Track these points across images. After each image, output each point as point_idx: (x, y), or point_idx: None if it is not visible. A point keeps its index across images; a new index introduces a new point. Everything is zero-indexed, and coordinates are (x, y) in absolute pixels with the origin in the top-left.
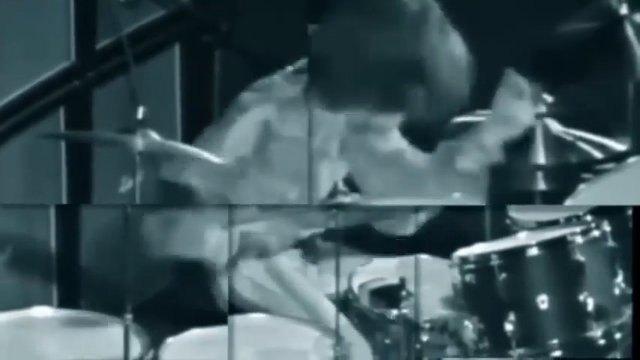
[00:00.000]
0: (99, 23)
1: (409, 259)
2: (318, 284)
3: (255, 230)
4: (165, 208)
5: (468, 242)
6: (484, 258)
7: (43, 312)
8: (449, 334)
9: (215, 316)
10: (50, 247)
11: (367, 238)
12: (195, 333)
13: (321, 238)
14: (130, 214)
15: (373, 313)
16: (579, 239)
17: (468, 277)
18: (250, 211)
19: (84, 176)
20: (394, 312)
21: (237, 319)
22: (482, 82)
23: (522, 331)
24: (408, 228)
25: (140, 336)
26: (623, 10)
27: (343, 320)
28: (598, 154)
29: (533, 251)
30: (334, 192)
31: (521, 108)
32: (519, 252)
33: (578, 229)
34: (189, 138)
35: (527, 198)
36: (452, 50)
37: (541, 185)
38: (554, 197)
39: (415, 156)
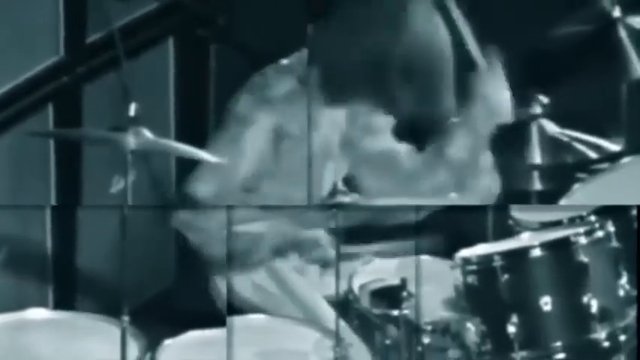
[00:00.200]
0: (89, 16)
1: (410, 260)
2: (320, 285)
3: (255, 231)
4: (160, 209)
5: (470, 243)
6: (487, 259)
7: (38, 314)
8: (451, 337)
9: (213, 318)
10: (46, 248)
11: (367, 233)
12: (193, 335)
13: (320, 238)
14: (126, 215)
15: (374, 314)
16: (583, 240)
17: (471, 279)
18: (250, 211)
19: (73, 176)
20: (395, 313)
21: (236, 320)
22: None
23: (525, 333)
24: (409, 216)
25: (137, 338)
26: (617, 13)
27: (341, 323)
28: (593, 155)
29: (537, 252)
30: (334, 192)
31: (503, 97)
32: (522, 253)
33: (581, 230)
34: (183, 136)
35: (523, 197)
36: (441, 44)
37: (537, 185)
38: (549, 197)
39: (407, 156)
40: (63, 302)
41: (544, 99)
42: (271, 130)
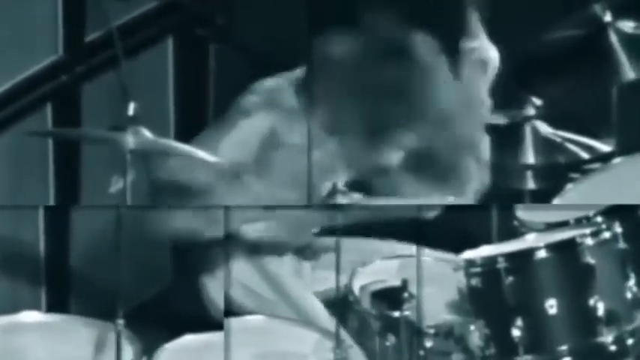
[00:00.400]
0: (88, 15)
1: (411, 260)
2: (312, 280)
3: (253, 232)
4: (157, 208)
5: (474, 244)
6: (491, 261)
7: (31, 317)
8: (454, 340)
9: (210, 322)
10: (39, 250)
11: (368, 231)
12: (189, 339)
13: (316, 235)
14: (122, 215)
15: (374, 315)
16: (589, 241)
17: (474, 281)
18: (248, 212)
19: (72, 176)
20: (396, 314)
21: (234, 322)
22: None
23: (530, 337)
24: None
25: (132, 342)
26: (608, 17)
27: (334, 324)
28: (585, 155)
29: (542, 254)
30: (333, 192)
31: (487, 47)
32: (527, 254)
33: (588, 231)
34: (182, 135)
35: (516, 197)
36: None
37: (530, 184)
38: (542, 196)
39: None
40: (56, 305)
41: (537, 101)
42: (266, 130)
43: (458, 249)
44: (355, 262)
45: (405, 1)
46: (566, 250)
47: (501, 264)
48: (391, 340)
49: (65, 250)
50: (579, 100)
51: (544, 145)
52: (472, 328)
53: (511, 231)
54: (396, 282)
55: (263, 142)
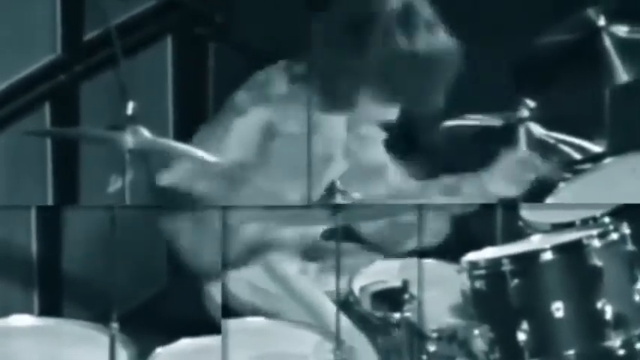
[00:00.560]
0: (86, 14)
1: (412, 261)
2: (318, 283)
3: (254, 231)
4: (157, 209)
5: (477, 246)
6: (495, 263)
7: (22, 321)
8: (457, 344)
9: (207, 325)
10: (31, 251)
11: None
12: (186, 343)
13: (321, 237)
14: (117, 216)
15: (374, 316)
16: (596, 243)
17: (478, 283)
18: (248, 211)
19: (70, 176)
20: (396, 316)
21: (233, 323)
22: (469, 88)
23: (536, 341)
24: (411, 242)
25: (127, 346)
26: (601, 22)
27: (347, 323)
28: (577, 155)
29: (548, 255)
30: (331, 191)
31: (527, 168)
32: (533, 256)
33: (595, 232)
34: (181, 135)
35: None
36: (441, 45)
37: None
38: (536, 194)
39: (396, 175)
40: (48, 308)
41: (531, 103)
42: (263, 124)
43: (461, 251)
44: (359, 265)
45: None
46: (572, 252)
47: (506, 266)
48: (392, 341)
49: (58, 252)
50: (572, 102)
51: (538, 145)
52: (476, 332)
53: (516, 232)
54: (396, 283)
55: (262, 137)
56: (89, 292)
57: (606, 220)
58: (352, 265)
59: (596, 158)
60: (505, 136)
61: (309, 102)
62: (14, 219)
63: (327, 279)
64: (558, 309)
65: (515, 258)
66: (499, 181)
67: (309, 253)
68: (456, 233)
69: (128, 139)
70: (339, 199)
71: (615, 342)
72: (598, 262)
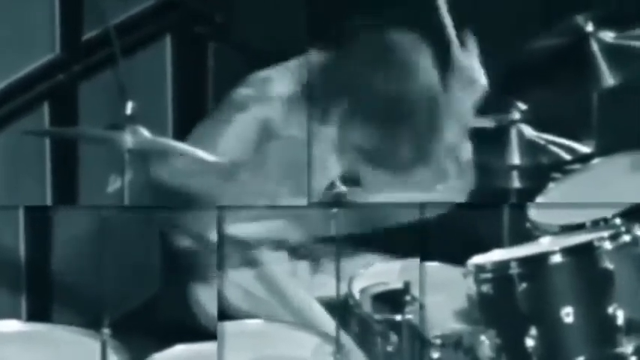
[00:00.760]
0: (85, 13)
1: (414, 262)
2: (312, 285)
3: (250, 233)
4: (154, 209)
5: (484, 248)
6: (502, 266)
7: (10, 326)
8: (463, 351)
9: (202, 331)
10: (19, 254)
11: (369, 239)
12: (180, 349)
13: (315, 240)
14: (107, 217)
15: (375, 319)
16: (608, 245)
17: (485, 288)
18: (245, 212)
19: (69, 175)
20: (398, 318)
21: (231, 325)
22: None
23: (545, 347)
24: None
25: (119, 353)
26: (589, 28)
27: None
28: (566, 156)
29: (557, 258)
30: (331, 189)
31: (477, 69)
32: (541, 259)
33: (606, 234)
34: (180, 135)
35: (503, 195)
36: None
37: (516, 183)
38: (527, 194)
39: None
40: (37, 313)
41: (522, 105)
42: (262, 122)
43: (467, 254)
44: (356, 267)
45: (401, 11)
46: (582, 255)
47: (514, 269)
48: (393, 344)
49: (47, 254)
50: (562, 104)
51: (528, 146)
52: (482, 338)
53: (524, 234)
54: (397, 284)
55: (260, 135)
56: (79, 297)
57: (618, 221)
58: (349, 267)
59: (584, 159)
60: (497, 137)
61: (310, 105)
62: (1, 219)
63: (322, 280)
64: (568, 314)
65: (523, 261)
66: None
67: (302, 253)
68: (461, 235)
69: (127, 139)
70: (339, 197)
71: (627, 348)
72: (609, 265)
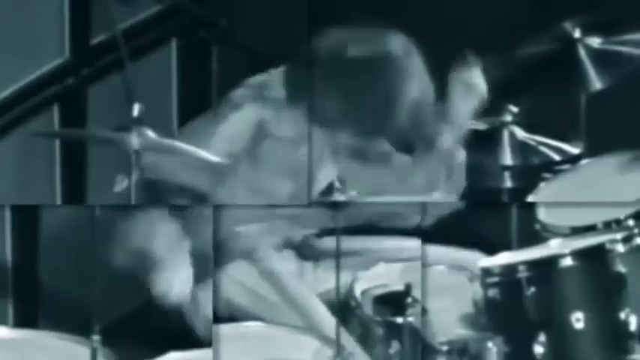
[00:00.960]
0: (93, 19)
1: (415, 264)
2: (314, 281)
3: (250, 232)
4: (152, 206)
5: (491, 251)
6: (510, 269)
7: None
8: (469, 358)
9: (196, 337)
10: (5, 257)
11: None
12: (175, 356)
13: (316, 236)
14: (97, 217)
15: (376, 321)
16: (620, 247)
17: (492, 292)
18: (244, 211)
19: (78, 175)
20: (399, 320)
21: (230, 328)
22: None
23: (554, 355)
24: (414, 219)
25: None
26: (577, 34)
27: (343, 332)
28: (556, 157)
29: (567, 261)
30: (330, 190)
31: (477, 77)
32: (551, 262)
33: (618, 236)
34: None
35: (495, 194)
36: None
37: (507, 183)
38: (518, 194)
39: (400, 157)
40: (24, 319)
41: (514, 108)
42: (255, 122)
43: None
44: (357, 263)
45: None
46: (594, 258)
47: (522, 273)
48: (395, 347)
49: (35, 257)
50: (551, 107)
51: (520, 148)
52: (489, 344)
53: (532, 236)
54: (399, 286)
55: (253, 134)
56: (68, 302)
57: (630, 222)
58: (352, 265)
59: (573, 159)
60: (490, 139)
61: (309, 106)
62: None
63: (324, 279)
64: (578, 320)
65: (531, 264)
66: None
67: (306, 252)
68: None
69: (134, 140)
70: (338, 197)
71: None
72: (622, 268)
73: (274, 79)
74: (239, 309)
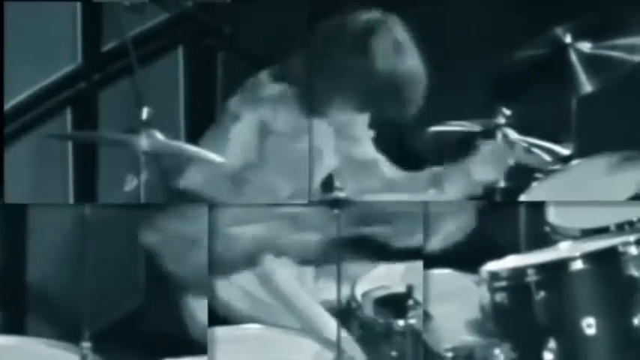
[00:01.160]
0: (104, 27)
1: (417, 265)
2: (315, 289)
3: (251, 234)
4: (159, 208)
5: (499, 254)
6: (518, 273)
7: None
8: None
9: (191, 343)
10: None
11: (369, 247)
12: None
13: (320, 244)
14: (87, 217)
15: (378, 323)
16: (633, 250)
17: (499, 297)
18: (245, 212)
19: (90, 176)
20: (401, 322)
21: (228, 331)
22: (453, 98)
23: None
24: (415, 237)
25: None
26: (568, 39)
27: (344, 333)
28: (547, 158)
29: (578, 265)
30: (329, 187)
31: (504, 154)
32: (561, 266)
33: (631, 238)
34: (192, 138)
35: (489, 193)
36: (410, 66)
37: (501, 183)
38: (511, 193)
39: (388, 167)
40: (13, 325)
41: (507, 111)
42: (257, 125)
43: (480, 260)
44: (359, 271)
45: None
46: (606, 261)
47: (531, 277)
48: (396, 349)
49: (23, 260)
50: (543, 110)
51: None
52: (497, 351)
53: (542, 238)
54: (400, 288)
55: (258, 138)
56: (58, 307)
57: None
58: (353, 271)
59: (564, 160)
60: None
61: (305, 101)
62: None
63: (325, 284)
64: (590, 325)
65: (541, 268)
66: (481, 167)
67: (307, 257)
68: (473, 239)
69: (143, 142)
70: (337, 195)
71: None
72: (635, 271)
73: (263, 77)
74: (238, 312)
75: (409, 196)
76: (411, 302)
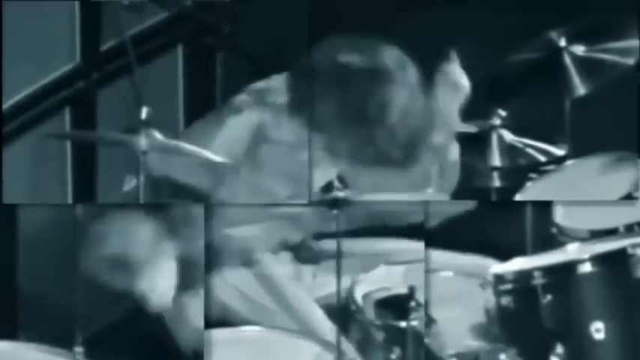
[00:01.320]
0: (103, 26)
1: (418, 266)
2: (313, 287)
3: (249, 234)
4: (151, 205)
5: (504, 256)
6: (525, 276)
7: None
8: None
9: (185, 348)
10: None
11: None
12: None
13: (315, 239)
14: (79, 216)
15: (378, 325)
16: None
17: (505, 300)
18: (243, 212)
19: (89, 175)
20: (402, 325)
21: (224, 333)
22: None
23: None
24: (417, 215)
25: None
26: (562, 42)
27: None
28: (542, 158)
29: (586, 267)
30: (329, 188)
31: (460, 75)
32: (568, 268)
33: None
34: None
35: (484, 193)
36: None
37: (496, 183)
38: (507, 193)
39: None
40: (3, 330)
41: (502, 112)
42: (255, 126)
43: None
44: (358, 266)
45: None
46: (615, 263)
47: (538, 280)
48: (397, 352)
49: (13, 264)
50: (538, 111)
51: (508, 149)
52: (502, 356)
53: (549, 240)
54: (402, 289)
55: (252, 138)
56: (49, 312)
57: None
58: (352, 268)
59: (558, 160)
60: (480, 141)
61: (310, 111)
62: None
63: (323, 282)
64: (598, 330)
65: (548, 270)
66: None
67: (304, 255)
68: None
69: (142, 142)
70: (337, 195)
71: None
72: None
73: (276, 84)
74: (235, 314)
75: (409, 196)
76: (413, 304)
